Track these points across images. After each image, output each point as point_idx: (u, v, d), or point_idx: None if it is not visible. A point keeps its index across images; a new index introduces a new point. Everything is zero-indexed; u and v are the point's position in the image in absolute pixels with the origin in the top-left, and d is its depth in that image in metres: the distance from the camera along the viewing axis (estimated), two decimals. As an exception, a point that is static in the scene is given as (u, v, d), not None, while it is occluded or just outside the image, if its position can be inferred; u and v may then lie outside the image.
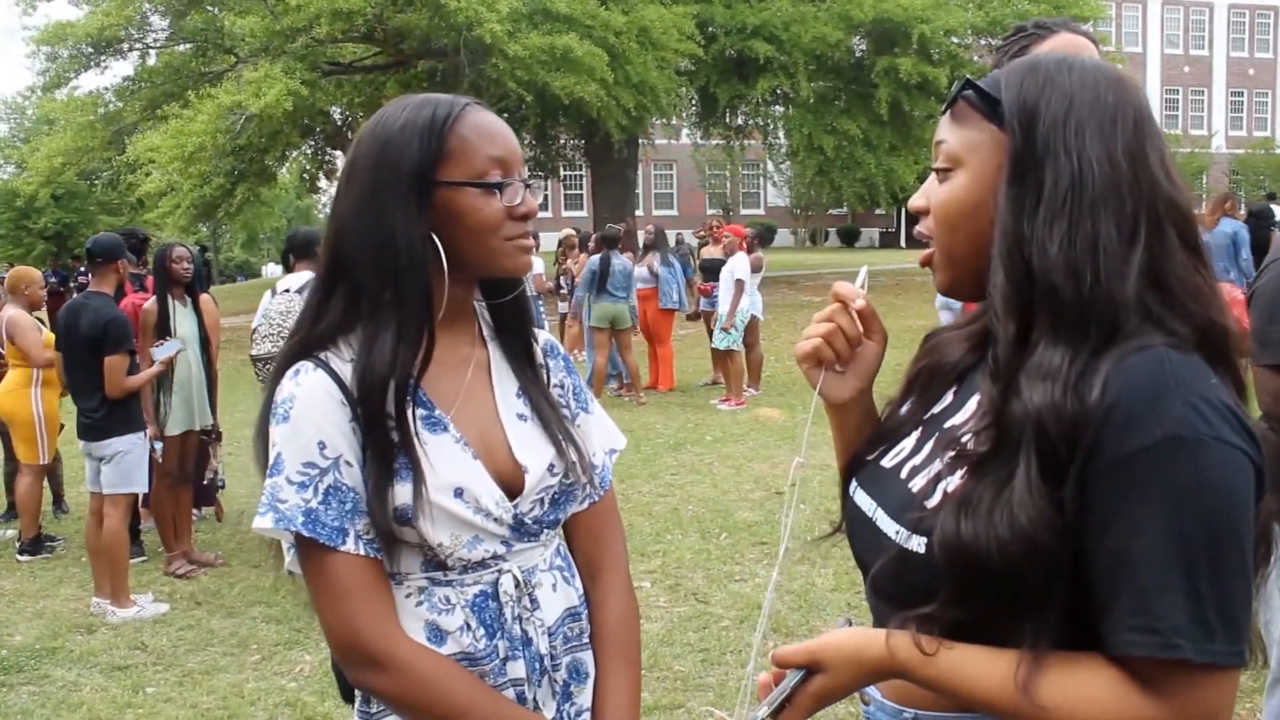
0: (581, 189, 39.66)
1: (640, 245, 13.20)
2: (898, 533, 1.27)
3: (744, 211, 43.76)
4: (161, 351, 5.96)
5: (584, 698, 1.66)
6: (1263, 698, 3.06)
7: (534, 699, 1.57)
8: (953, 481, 1.24)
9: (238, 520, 7.37)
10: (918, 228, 1.35)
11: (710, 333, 12.06)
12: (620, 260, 11.46)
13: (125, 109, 22.61)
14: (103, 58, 22.51)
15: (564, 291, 13.90)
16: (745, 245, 11.46)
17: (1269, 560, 1.22)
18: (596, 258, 11.50)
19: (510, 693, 1.55)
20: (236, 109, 18.31)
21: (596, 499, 1.73)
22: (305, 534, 1.45)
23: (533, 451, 1.59)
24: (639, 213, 30.89)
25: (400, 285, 1.48)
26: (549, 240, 17.79)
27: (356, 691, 1.59)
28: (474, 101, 1.57)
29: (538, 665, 1.58)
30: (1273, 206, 12.60)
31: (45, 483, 7.55)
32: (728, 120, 27.34)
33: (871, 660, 1.21)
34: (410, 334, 1.49)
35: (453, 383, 1.58)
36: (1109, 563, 1.13)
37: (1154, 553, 1.10)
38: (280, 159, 24.54)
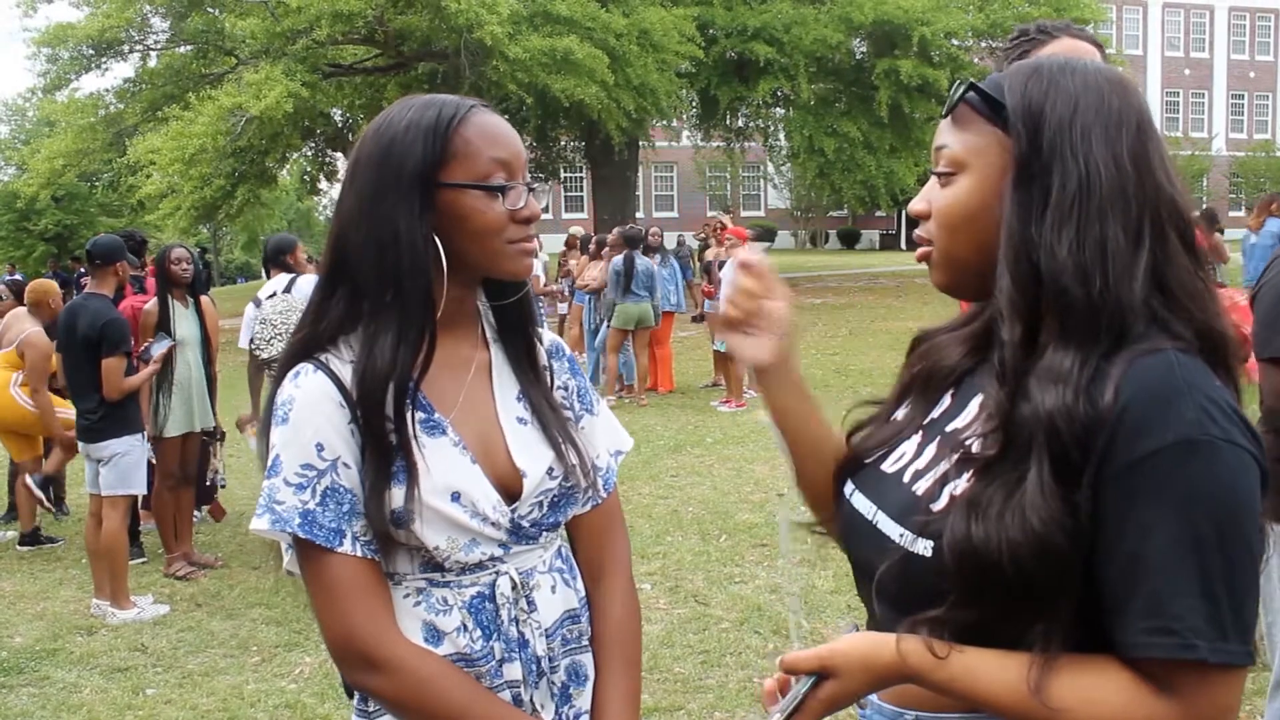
0: (582, 191, 39.69)
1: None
2: (902, 536, 1.27)
3: (744, 213, 43.76)
4: (155, 349, 5.96)
5: (583, 700, 1.65)
6: (1264, 700, 3.06)
7: (531, 700, 1.57)
8: (959, 485, 1.24)
9: (238, 522, 7.37)
10: (918, 231, 1.35)
11: (712, 335, 12.07)
12: (643, 261, 11.57)
13: (126, 111, 22.64)
14: (103, 59, 22.55)
15: (564, 294, 13.91)
16: (745, 247, 11.47)
17: (1263, 558, 1.22)
18: (619, 258, 11.56)
19: (506, 694, 1.54)
20: (237, 111, 18.34)
21: (600, 501, 1.72)
22: (302, 535, 1.45)
23: (531, 455, 1.59)
24: (639, 215, 30.91)
25: (401, 286, 1.48)
26: (553, 243, 17.78)
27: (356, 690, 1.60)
28: (480, 103, 1.56)
29: (535, 667, 1.57)
30: None
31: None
32: (728, 122, 27.39)
33: (883, 665, 1.20)
34: (411, 335, 1.48)
35: (453, 385, 1.57)
36: (1124, 565, 1.13)
37: (1169, 555, 1.11)
38: (281, 161, 24.57)
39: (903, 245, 41.70)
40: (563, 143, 28.06)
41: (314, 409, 1.48)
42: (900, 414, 1.46)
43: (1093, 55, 2.25)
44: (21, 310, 7.37)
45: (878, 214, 38.73)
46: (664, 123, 25.47)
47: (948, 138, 1.30)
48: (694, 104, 27.17)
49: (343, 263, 1.53)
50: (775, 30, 23.24)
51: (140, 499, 6.52)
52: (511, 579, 1.56)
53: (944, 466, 1.29)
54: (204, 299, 6.57)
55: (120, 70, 45.78)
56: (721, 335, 1.54)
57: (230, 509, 7.51)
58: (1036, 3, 23.90)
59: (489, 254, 1.52)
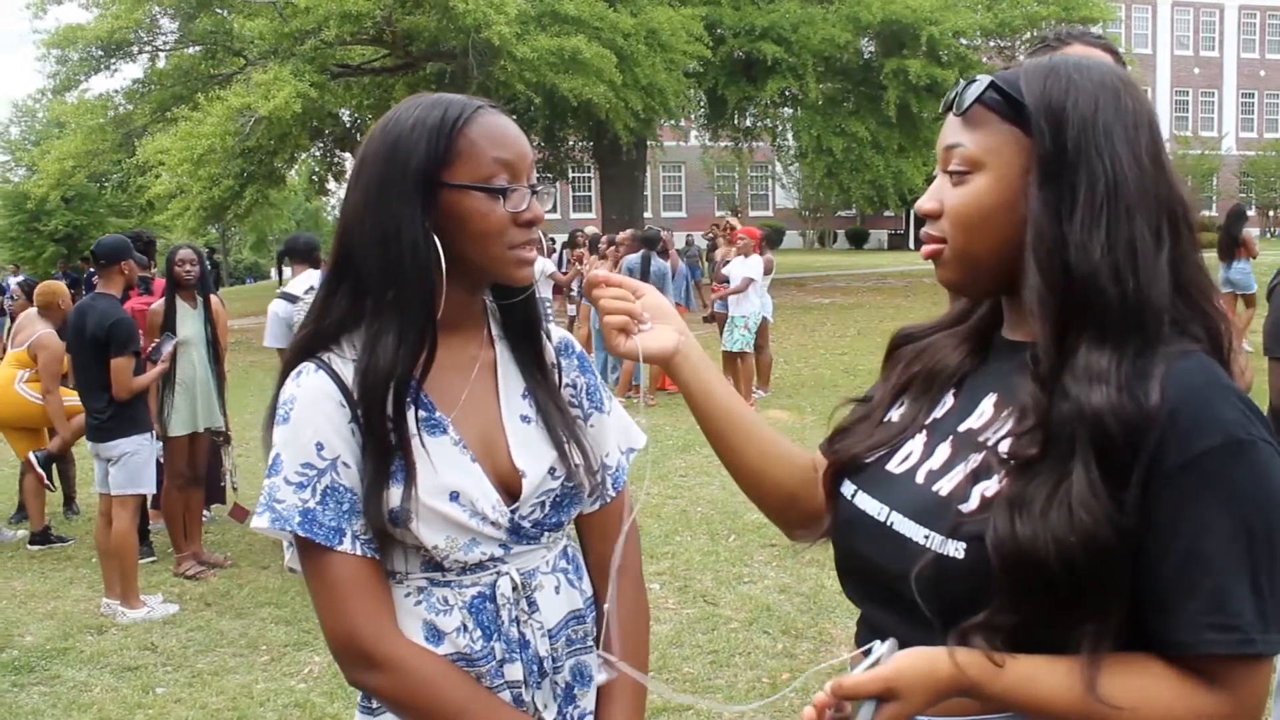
0: (590, 190, 39.73)
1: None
2: (928, 538, 1.26)
3: (752, 213, 43.74)
4: (164, 348, 5.97)
5: (588, 700, 1.65)
6: (1271, 700, 3.04)
7: (533, 701, 1.57)
8: (990, 485, 1.24)
9: (247, 521, 7.38)
10: (927, 229, 1.34)
11: (721, 335, 12.06)
12: (659, 262, 11.63)
13: (135, 111, 22.67)
14: (112, 60, 22.58)
15: (574, 295, 13.91)
16: (757, 247, 11.46)
17: None
18: (635, 258, 11.59)
19: (507, 695, 1.54)
20: (246, 111, 18.36)
21: (609, 499, 1.71)
22: (301, 534, 1.46)
23: (532, 455, 1.58)
24: (647, 214, 30.92)
25: (403, 285, 1.48)
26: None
27: None
28: (488, 104, 1.55)
29: (536, 667, 1.57)
30: None
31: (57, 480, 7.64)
32: (736, 122, 27.33)
33: (943, 680, 1.19)
34: (411, 335, 1.48)
35: (456, 384, 1.57)
36: (1180, 562, 1.15)
37: (1225, 552, 1.14)
38: (289, 161, 24.62)
39: (911, 245, 41.62)
40: (570, 142, 28.05)
41: (314, 408, 1.48)
42: (896, 414, 1.45)
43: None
44: (33, 311, 7.40)
45: (886, 214, 38.62)
46: (672, 122, 25.47)
47: (960, 136, 1.30)
48: (702, 104, 27.13)
49: (347, 260, 1.53)
50: (783, 30, 23.20)
51: (150, 498, 6.54)
52: (512, 579, 1.56)
53: (967, 467, 1.28)
54: (213, 299, 6.58)
55: (129, 71, 45.78)
56: (615, 350, 1.52)
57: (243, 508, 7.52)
58: (1045, 2, 23.86)
59: (490, 257, 1.51)
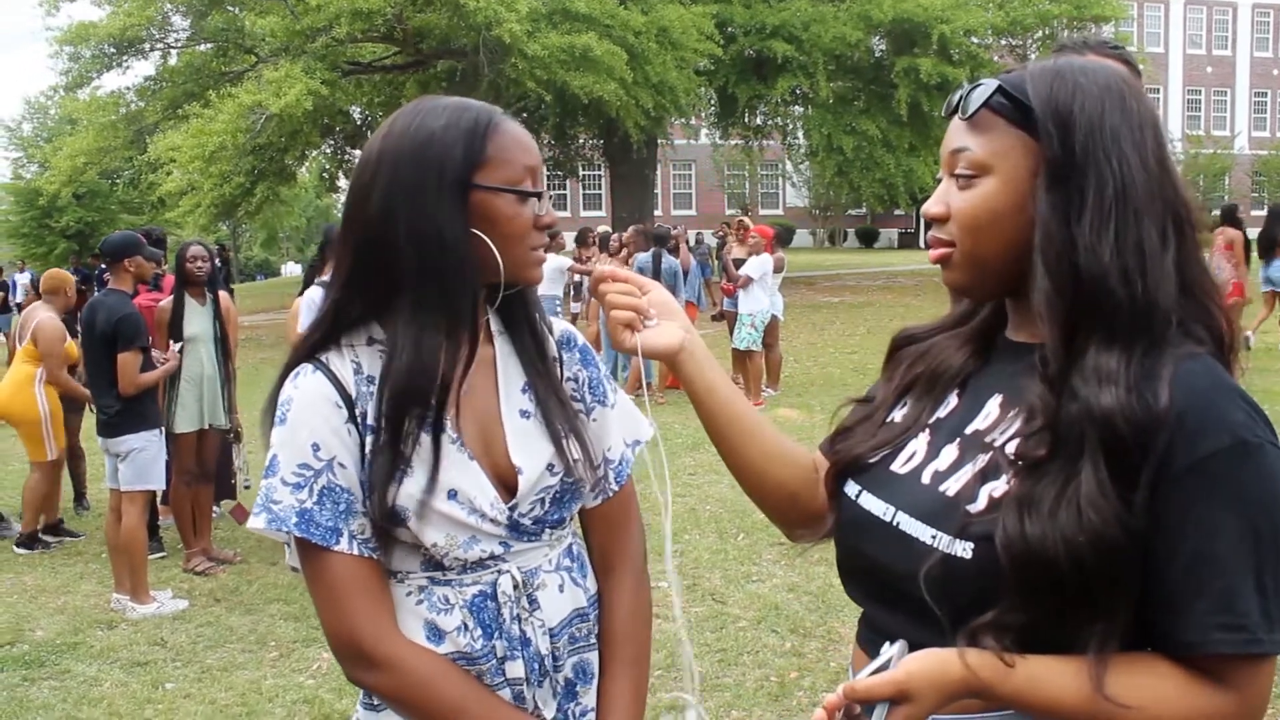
0: (600, 189, 39.72)
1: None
2: (935, 538, 1.26)
3: (763, 211, 43.68)
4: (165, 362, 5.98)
5: (589, 698, 1.65)
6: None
7: (533, 698, 1.57)
8: (998, 486, 1.24)
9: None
10: (935, 233, 1.34)
11: (731, 333, 12.06)
12: (669, 260, 11.66)
13: (146, 109, 22.75)
14: (124, 58, 22.65)
15: (583, 292, 13.94)
16: (769, 245, 11.45)
17: None
18: (646, 256, 11.61)
19: (507, 692, 1.55)
20: (257, 108, 18.40)
21: (613, 493, 1.71)
22: (298, 534, 1.47)
23: (530, 451, 1.58)
24: (657, 212, 30.90)
25: (447, 285, 1.49)
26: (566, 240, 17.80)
27: None
28: (504, 110, 1.58)
29: (537, 665, 1.57)
30: None
31: (66, 476, 7.63)
32: (746, 120, 27.32)
33: (953, 681, 1.20)
34: (458, 334, 1.50)
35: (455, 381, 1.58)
36: (1188, 563, 1.16)
37: (1233, 553, 1.15)
38: (300, 158, 24.67)
39: (921, 244, 41.53)
40: (581, 140, 28.06)
41: (311, 410, 1.49)
42: (899, 415, 1.46)
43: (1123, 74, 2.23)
44: (39, 302, 7.40)
45: (896, 213, 38.62)
46: (682, 120, 25.45)
47: (966, 140, 1.30)
48: (712, 102, 27.13)
49: (372, 261, 1.51)
50: (794, 28, 23.19)
51: (160, 494, 6.55)
52: (514, 578, 1.56)
53: (974, 467, 1.29)
54: (222, 295, 6.59)
55: (141, 68, 45.86)
56: (620, 345, 1.52)
57: (249, 503, 7.53)
58: (1057, 1, 23.79)
59: (513, 258, 1.53)
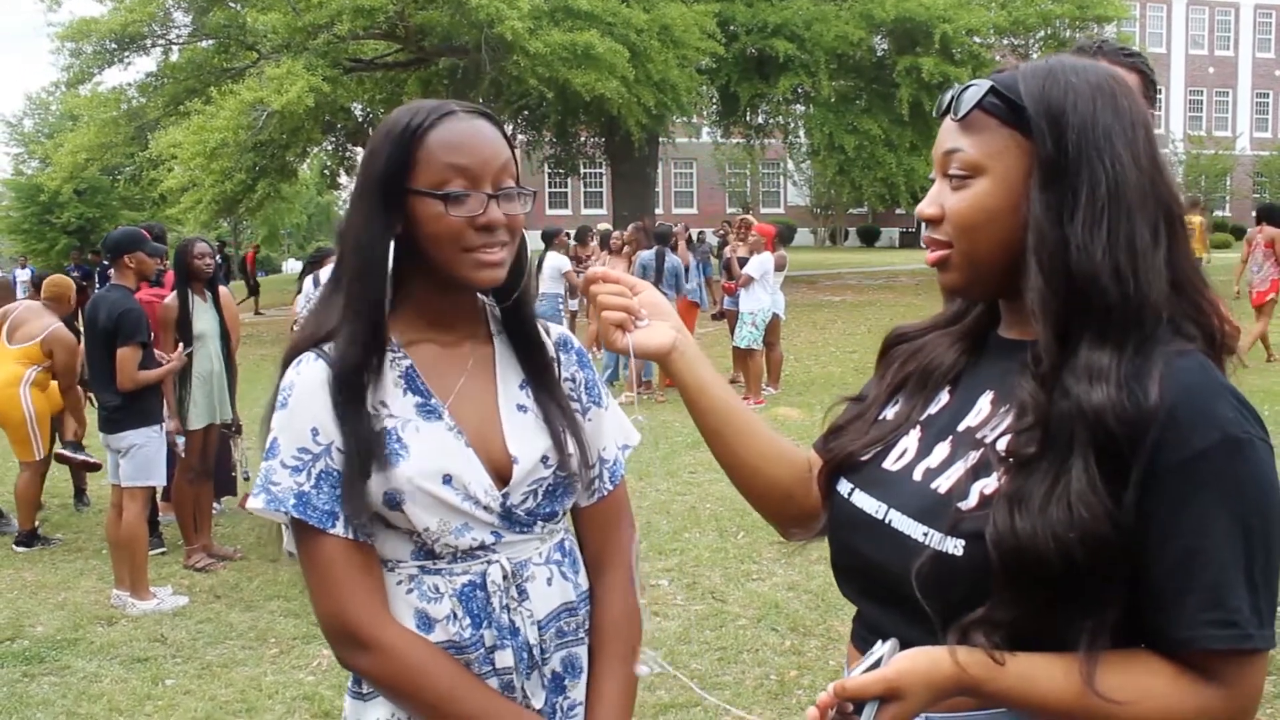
0: (601, 187, 39.69)
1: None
2: (926, 535, 1.27)
3: (764, 210, 43.66)
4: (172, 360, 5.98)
5: (577, 692, 1.68)
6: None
7: (522, 688, 1.60)
8: (989, 483, 1.25)
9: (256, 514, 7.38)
10: (932, 234, 1.35)
11: (732, 331, 12.06)
12: (673, 258, 11.74)
13: (148, 105, 22.72)
14: (126, 54, 22.63)
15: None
16: (770, 244, 11.45)
17: None
18: (650, 254, 11.63)
19: (495, 682, 1.58)
20: (258, 105, 18.39)
21: (606, 493, 1.75)
22: (295, 515, 1.51)
23: (526, 442, 1.62)
24: (659, 211, 30.88)
25: (362, 285, 1.56)
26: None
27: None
28: (465, 108, 1.59)
29: (526, 655, 1.60)
30: None
31: (65, 475, 7.63)
32: (748, 119, 27.30)
33: (943, 679, 1.20)
34: (359, 333, 1.54)
35: (453, 374, 1.62)
36: (1178, 558, 1.16)
37: (1223, 548, 1.15)
38: (301, 155, 24.66)
39: (923, 243, 41.52)
40: (582, 138, 28.03)
41: (311, 395, 1.54)
42: (891, 412, 1.47)
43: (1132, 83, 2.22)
44: (36, 304, 7.37)
45: (897, 212, 38.59)
46: (684, 119, 25.42)
47: (959, 141, 1.31)
48: (714, 100, 27.10)
49: (339, 262, 1.62)
50: (796, 27, 23.17)
51: (160, 490, 6.55)
52: (503, 568, 1.59)
53: (965, 464, 1.29)
54: (223, 291, 6.60)
55: (142, 64, 45.79)
56: (612, 345, 1.54)
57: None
58: (1060, 1, 23.77)
59: (446, 261, 1.56)
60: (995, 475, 1.24)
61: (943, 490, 1.29)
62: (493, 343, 1.69)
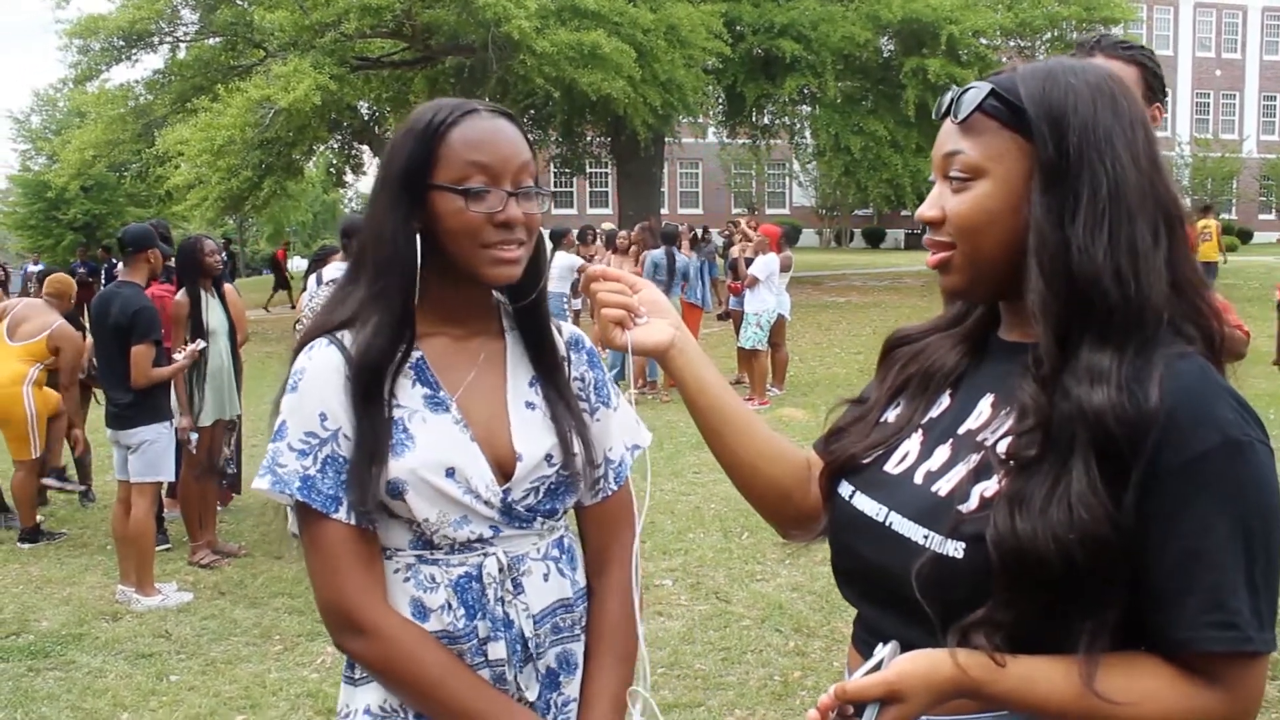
0: (607, 186, 39.69)
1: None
2: (927, 538, 1.27)
3: (769, 211, 43.64)
4: (184, 355, 5.99)
5: (572, 688, 1.69)
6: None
7: (515, 681, 1.61)
8: (990, 485, 1.25)
9: (261, 511, 7.41)
10: (935, 236, 1.35)
11: (737, 331, 12.07)
12: (681, 258, 11.88)
13: (155, 102, 22.76)
14: (133, 51, 22.66)
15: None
16: (775, 244, 11.45)
17: None
18: (659, 253, 11.66)
19: (487, 673, 1.59)
20: (265, 103, 18.41)
21: (610, 493, 1.75)
22: (300, 499, 1.53)
23: (531, 439, 1.63)
24: (664, 210, 30.88)
25: (386, 279, 1.57)
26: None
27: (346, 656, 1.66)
28: (486, 107, 1.61)
29: (520, 648, 1.61)
30: None
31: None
32: (754, 119, 27.27)
33: (944, 681, 1.20)
34: (387, 325, 1.56)
35: (463, 369, 1.64)
36: (1178, 560, 1.16)
37: (1223, 551, 1.15)
38: (307, 153, 24.68)
39: (925, 245, 41.43)
40: (589, 138, 28.03)
41: (322, 381, 1.56)
42: (892, 415, 1.47)
43: (1131, 80, 2.21)
44: (37, 302, 7.37)
45: (903, 213, 38.58)
46: (690, 119, 25.40)
47: (960, 143, 1.30)
48: (720, 100, 27.07)
49: (360, 255, 1.63)
50: (802, 27, 23.15)
51: (165, 486, 6.57)
52: (499, 560, 1.60)
53: (966, 467, 1.29)
54: (228, 288, 6.63)
55: (150, 62, 45.82)
56: (611, 343, 1.54)
57: (253, 499, 7.54)
58: (1066, 2, 23.74)
59: (464, 256, 1.57)
60: (996, 478, 1.24)
61: (943, 493, 1.29)
62: (504, 339, 1.70)
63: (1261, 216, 47.02)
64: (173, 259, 6.54)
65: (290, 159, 22.90)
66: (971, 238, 1.30)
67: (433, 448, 1.56)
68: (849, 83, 24.78)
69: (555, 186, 40.73)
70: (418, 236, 1.56)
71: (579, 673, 1.69)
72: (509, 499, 1.60)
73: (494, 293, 1.70)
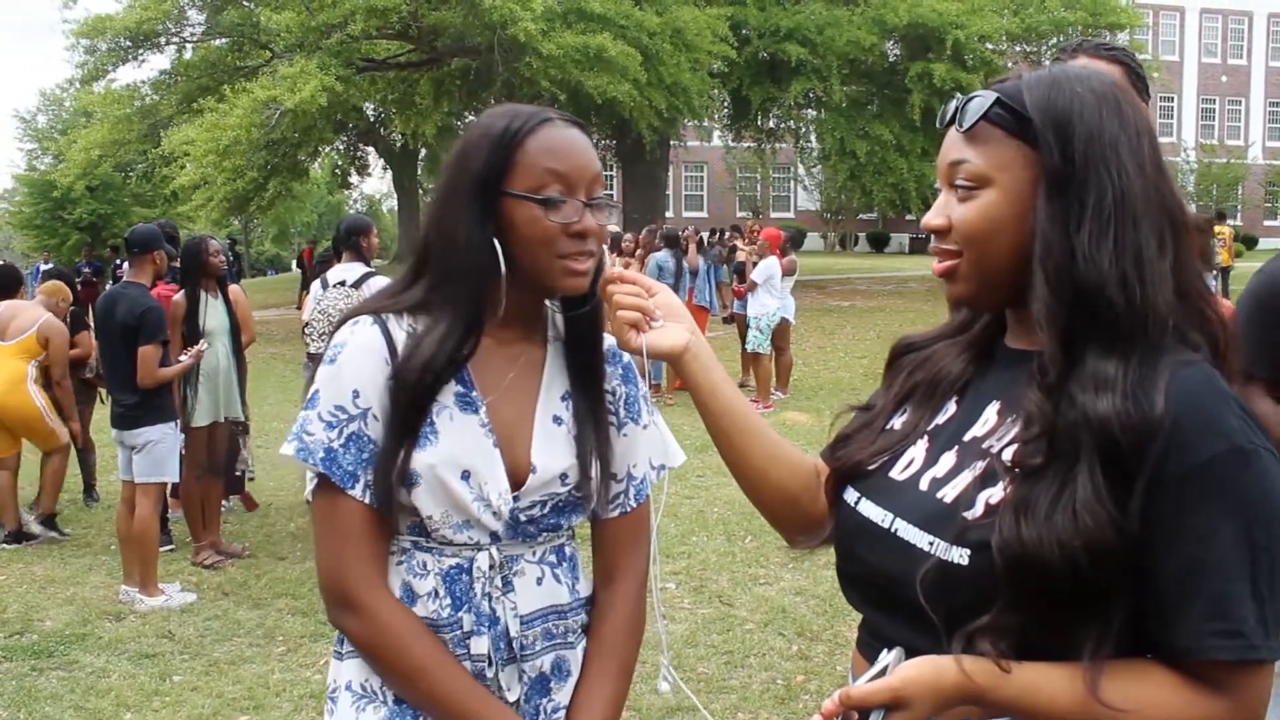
0: (612, 189, 39.74)
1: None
2: (932, 544, 1.27)
3: (774, 214, 43.64)
4: (189, 356, 6.00)
5: (563, 695, 1.68)
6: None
7: (496, 678, 1.61)
8: (995, 492, 1.25)
9: (265, 512, 7.42)
10: (941, 244, 1.34)
11: (742, 335, 12.07)
12: (685, 261, 11.87)
13: (161, 102, 22.82)
14: (140, 51, 22.72)
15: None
16: (778, 248, 11.44)
17: None
18: (666, 255, 11.67)
19: (468, 666, 1.59)
20: (271, 104, 18.44)
21: (630, 509, 1.75)
22: (321, 469, 1.55)
23: (550, 453, 1.63)
24: (669, 214, 30.89)
25: (458, 284, 1.56)
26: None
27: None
28: (560, 116, 1.61)
29: (504, 645, 1.61)
30: None
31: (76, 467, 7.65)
32: (759, 123, 27.29)
33: (949, 688, 1.20)
34: (457, 331, 1.56)
35: (500, 373, 1.63)
36: (1183, 568, 1.16)
37: (1229, 559, 1.15)
38: (313, 154, 24.74)
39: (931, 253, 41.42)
40: (594, 141, 28.02)
41: (361, 356, 1.57)
42: (898, 422, 1.47)
43: (1116, 76, 2.21)
44: (23, 302, 7.37)
45: (908, 217, 38.56)
46: (695, 122, 25.43)
47: (965, 152, 1.30)
48: (726, 104, 27.11)
49: (424, 257, 1.63)
50: (808, 31, 23.16)
51: (169, 487, 6.57)
52: (491, 556, 1.60)
53: (972, 474, 1.29)
54: (233, 289, 6.63)
55: (156, 62, 45.90)
56: (626, 346, 1.55)
57: (259, 500, 7.56)
58: (1072, 7, 23.76)
59: (538, 265, 1.57)
60: (1001, 485, 1.24)
61: (949, 500, 1.29)
62: (546, 348, 1.69)
63: (1266, 222, 46.93)
64: (178, 260, 6.54)
65: (296, 160, 22.95)
66: (977, 246, 1.30)
67: (454, 446, 1.56)
68: (854, 87, 24.79)
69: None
70: (496, 244, 1.55)
71: (571, 680, 1.68)
72: (516, 508, 1.60)
73: (545, 301, 1.69)
